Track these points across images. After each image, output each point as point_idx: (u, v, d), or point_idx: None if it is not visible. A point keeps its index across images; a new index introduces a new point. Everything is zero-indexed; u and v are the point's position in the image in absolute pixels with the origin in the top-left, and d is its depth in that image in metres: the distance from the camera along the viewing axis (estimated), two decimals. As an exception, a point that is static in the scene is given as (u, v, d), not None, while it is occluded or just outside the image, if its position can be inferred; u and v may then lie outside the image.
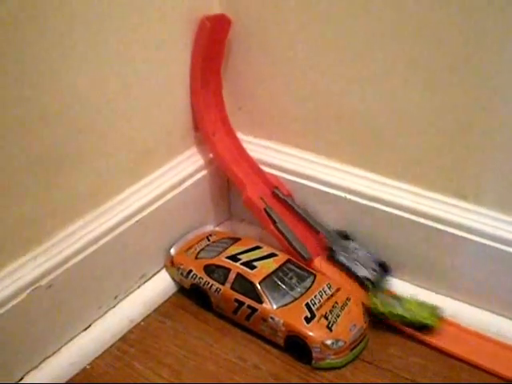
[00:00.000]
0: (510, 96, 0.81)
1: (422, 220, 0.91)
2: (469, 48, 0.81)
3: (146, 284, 0.97)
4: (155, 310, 0.96)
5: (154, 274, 0.99)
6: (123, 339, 0.91)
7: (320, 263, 0.95)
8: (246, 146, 1.02)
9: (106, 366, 0.88)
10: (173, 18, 0.93)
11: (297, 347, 0.86)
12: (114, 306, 0.93)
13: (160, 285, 0.98)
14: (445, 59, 0.84)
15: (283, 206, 0.99)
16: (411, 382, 0.84)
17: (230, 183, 1.06)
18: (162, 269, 1.00)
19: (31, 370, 0.84)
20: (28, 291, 0.80)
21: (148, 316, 0.95)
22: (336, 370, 0.86)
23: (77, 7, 0.79)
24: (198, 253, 0.98)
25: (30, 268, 0.81)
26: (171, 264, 0.98)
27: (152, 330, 0.93)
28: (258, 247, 0.96)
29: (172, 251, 0.99)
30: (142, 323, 0.94)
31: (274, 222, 0.96)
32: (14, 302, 0.79)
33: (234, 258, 0.94)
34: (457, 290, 0.92)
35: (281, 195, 0.99)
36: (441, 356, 0.87)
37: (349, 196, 0.95)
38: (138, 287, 0.96)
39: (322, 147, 0.98)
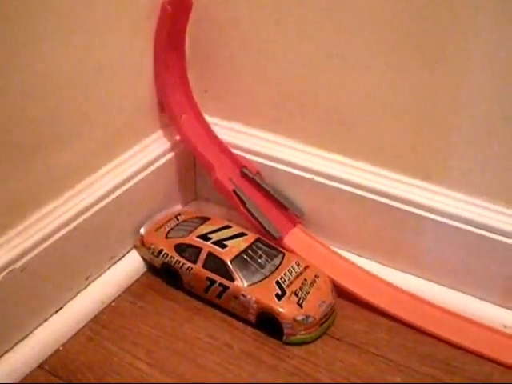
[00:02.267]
0: (474, 78, 0.84)
1: (386, 201, 0.93)
2: (434, 32, 0.84)
3: (116, 265, 0.98)
4: (125, 291, 0.97)
5: (124, 255, 0.99)
6: (95, 320, 0.92)
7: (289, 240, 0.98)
8: (212, 128, 1.03)
9: (79, 346, 0.88)
10: (137, 2, 0.93)
11: (268, 324, 0.88)
12: (86, 288, 0.94)
13: (130, 265, 0.99)
14: (410, 43, 0.86)
15: (252, 185, 1.00)
16: (379, 357, 0.87)
17: (197, 164, 1.07)
18: (131, 249, 1.00)
19: (5, 353, 0.84)
20: (3, 274, 0.80)
21: (119, 297, 0.96)
22: (306, 347, 0.88)
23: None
24: (168, 232, 0.99)
25: (4, 251, 0.81)
26: (141, 244, 0.99)
27: (123, 311, 0.94)
28: (227, 226, 0.98)
29: (142, 231, 1.00)
30: (113, 304, 0.95)
31: (244, 204, 0.97)
32: (-11, 286, 0.79)
33: (204, 237, 0.95)
34: (421, 269, 0.95)
35: (249, 174, 1.00)
36: (407, 330, 0.91)
37: (316, 178, 0.97)
38: (109, 268, 0.97)
39: (290, 129, 1.00)
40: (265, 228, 0.97)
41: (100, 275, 0.96)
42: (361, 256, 0.99)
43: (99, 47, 0.89)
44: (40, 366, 0.85)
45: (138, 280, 0.99)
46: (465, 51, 0.83)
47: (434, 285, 0.95)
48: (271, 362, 0.87)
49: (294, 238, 0.98)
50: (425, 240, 0.93)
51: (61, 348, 0.88)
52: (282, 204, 1.00)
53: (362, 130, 0.94)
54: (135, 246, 1.00)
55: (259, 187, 1.00)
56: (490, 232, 0.88)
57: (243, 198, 0.97)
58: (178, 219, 1.02)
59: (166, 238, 0.98)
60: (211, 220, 1.00)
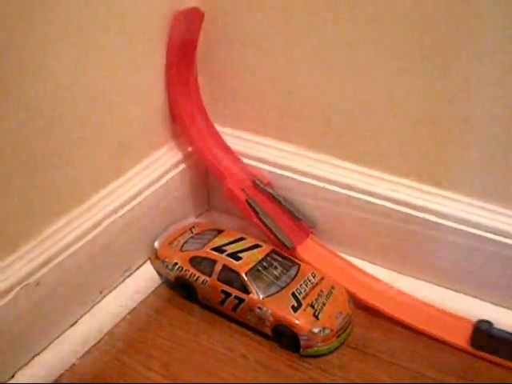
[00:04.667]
0: (483, 84, 0.84)
1: (398, 207, 0.93)
2: (441, 37, 0.84)
3: (130, 278, 0.98)
4: (140, 304, 0.97)
5: (138, 268, 0.99)
6: (110, 333, 0.92)
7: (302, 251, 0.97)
8: (223, 137, 1.03)
9: (94, 360, 0.88)
10: (149, 12, 0.93)
11: (284, 336, 0.88)
12: (100, 301, 0.94)
13: (144, 278, 0.99)
14: (419, 49, 0.86)
15: (264, 196, 1.00)
16: (395, 365, 0.87)
17: (209, 175, 1.07)
18: (145, 262, 1.00)
19: (21, 368, 0.84)
20: (17, 289, 0.81)
21: (133, 310, 0.96)
22: (323, 357, 0.88)
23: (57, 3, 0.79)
24: (182, 245, 0.99)
25: (18, 266, 0.81)
26: (156, 257, 0.99)
27: (138, 324, 0.94)
28: (242, 238, 0.97)
29: (156, 244, 1.00)
30: (128, 317, 0.95)
31: (257, 214, 0.97)
32: (4, 301, 0.79)
33: (219, 249, 0.95)
34: (435, 275, 0.95)
35: (261, 185, 1.00)
36: (422, 338, 0.90)
37: (328, 186, 0.97)
38: (123, 281, 0.97)
39: (301, 138, 1.00)
40: (278, 238, 0.96)
41: (114, 289, 0.96)
42: (374, 264, 0.99)
43: (110, 60, 0.89)
44: (56, 381, 0.85)
45: (152, 293, 0.99)
46: (474, 58, 0.83)
47: (448, 291, 0.95)
48: (287, 373, 0.86)
49: (307, 249, 0.98)
50: (438, 246, 0.93)
51: (77, 362, 0.88)
52: (294, 214, 1.00)
53: (373, 138, 0.95)
54: (149, 260, 1.00)
55: (271, 198, 1.00)
56: (503, 236, 0.88)
57: (256, 208, 0.97)
58: (192, 232, 1.02)
59: (181, 250, 0.98)
60: (225, 232, 1.00)
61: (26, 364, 0.84)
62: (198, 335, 0.92)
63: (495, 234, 0.88)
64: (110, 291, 0.95)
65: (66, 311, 0.89)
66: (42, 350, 0.86)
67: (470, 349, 0.88)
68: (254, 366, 0.87)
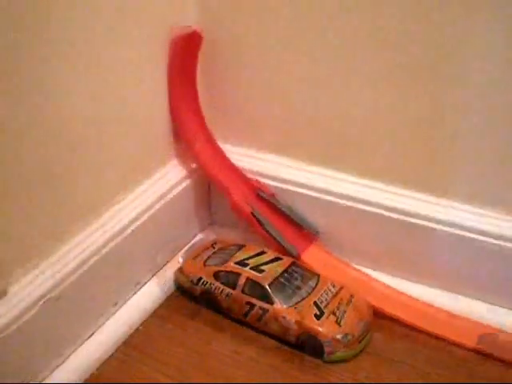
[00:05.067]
0: (476, 95, 0.89)
1: (395, 215, 0.98)
2: (434, 50, 0.88)
3: (141, 290, 1.02)
4: (151, 315, 1.00)
5: (148, 281, 1.03)
6: (125, 344, 0.95)
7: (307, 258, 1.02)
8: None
9: (112, 370, 0.92)
10: (150, 37, 0.98)
11: (308, 344, 0.92)
12: (114, 314, 0.97)
13: (153, 290, 1.03)
14: (412, 61, 0.90)
15: (268, 207, 1.05)
16: (400, 363, 0.92)
17: (211, 190, 1.12)
18: (153, 275, 1.04)
19: (44, 379, 0.87)
20: (40, 303, 0.84)
21: (146, 321, 0.99)
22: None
23: (66, 31, 0.83)
24: (206, 260, 1.03)
25: (40, 281, 0.85)
26: (181, 272, 1.03)
27: (151, 334, 0.97)
28: (263, 252, 1.01)
29: (180, 260, 1.05)
30: (141, 328, 0.98)
31: (262, 225, 1.02)
32: (28, 315, 0.83)
33: (242, 263, 0.99)
34: (437, 280, 0.99)
35: (265, 196, 1.04)
36: (431, 340, 0.95)
37: (328, 197, 1.02)
38: (134, 294, 1.01)
39: (301, 152, 1.04)
40: (283, 247, 1.01)
41: (127, 301, 1.00)
42: (375, 270, 1.03)
43: (115, 81, 0.93)
44: (77, 390, 0.89)
45: (162, 304, 1.03)
46: (466, 70, 0.88)
47: (448, 293, 0.99)
48: (298, 375, 0.90)
49: (311, 256, 1.03)
50: (437, 251, 0.97)
51: (95, 372, 0.91)
52: (297, 223, 1.04)
53: (370, 149, 0.99)
54: (175, 275, 1.04)
55: (275, 208, 1.04)
56: (498, 240, 0.93)
57: (261, 219, 1.02)
58: (214, 247, 1.06)
59: (205, 265, 1.02)
60: (246, 247, 1.03)
61: (48, 376, 0.88)
62: (210, 342, 0.96)
63: (492, 238, 0.93)
64: (123, 304, 0.99)
65: (84, 324, 0.93)
66: (63, 362, 0.90)
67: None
68: (266, 369, 0.91)
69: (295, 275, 0.97)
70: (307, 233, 1.04)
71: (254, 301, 0.95)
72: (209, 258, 1.03)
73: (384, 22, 0.91)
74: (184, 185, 1.07)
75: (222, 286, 0.98)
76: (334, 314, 0.92)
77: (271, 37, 1.00)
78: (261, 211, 1.03)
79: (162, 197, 1.03)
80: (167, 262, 1.07)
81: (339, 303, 0.94)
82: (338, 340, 0.90)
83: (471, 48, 0.87)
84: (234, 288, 0.97)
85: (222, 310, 0.99)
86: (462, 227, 0.94)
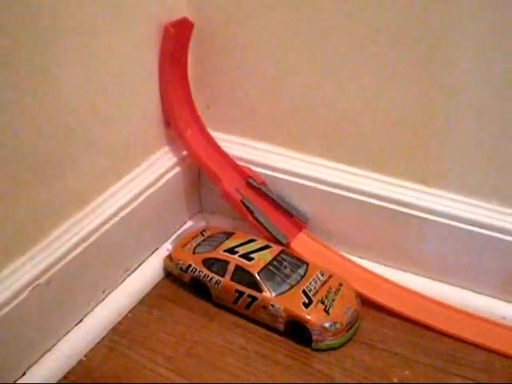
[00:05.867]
0: (467, 87, 0.89)
1: (387, 204, 0.98)
2: (426, 41, 0.88)
3: (130, 277, 1.02)
4: (140, 302, 1.01)
5: (137, 268, 1.03)
6: (114, 330, 0.96)
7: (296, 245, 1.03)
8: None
9: (101, 356, 0.92)
10: (141, 24, 0.98)
11: (297, 331, 0.92)
12: (103, 300, 0.97)
13: (143, 277, 1.03)
14: (406, 53, 0.90)
15: (258, 194, 1.05)
16: (386, 351, 0.92)
17: (201, 177, 1.11)
18: (143, 262, 1.04)
19: (32, 366, 0.87)
20: (29, 289, 0.84)
21: (134, 307, 1.00)
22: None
23: (58, 20, 0.83)
24: (195, 248, 1.03)
25: (29, 267, 0.85)
26: (170, 260, 1.04)
27: (140, 320, 0.98)
28: (252, 240, 1.01)
29: (169, 248, 1.05)
30: (130, 314, 0.99)
31: (252, 213, 1.02)
32: (17, 301, 0.83)
33: (231, 250, 0.99)
34: (422, 268, 1.00)
35: (255, 184, 1.05)
36: (411, 326, 0.95)
37: (318, 186, 1.02)
38: (123, 281, 1.01)
39: (290, 140, 1.04)
40: (273, 235, 1.01)
41: (115, 288, 1.00)
42: (363, 258, 1.03)
43: (106, 69, 0.93)
44: (65, 377, 0.89)
45: (151, 291, 1.03)
46: (459, 62, 0.88)
47: (435, 282, 1.00)
48: (286, 362, 0.91)
49: (300, 243, 1.03)
50: (425, 240, 0.98)
51: (84, 358, 0.92)
52: (287, 211, 1.04)
53: (360, 138, 0.99)
54: (164, 262, 1.05)
55: (265, 196, 1.05)
56: (485, 229, 0.93)
57: (251, 207, 1.02)
58: (203, 235, 1.06)
59: (194, 253, 1.02)
60: (236, 234, 1.04)
61: (36, 361, 0.88)
62: (199, 329, 0.96)
63: (479, 227, 0.93)
64: (112, 290, 0.99)
65: (72, 310, 0.93)
66: (50, 348, 0.90)
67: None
68: (255, 356, 0.92)
69: (284, 263, 0.97)
70: (297, 221, 1.05)
71: (242, 288, 0.95)
72: (198, 245, 1.04)
73: (375, 14, 0.91)
74: (174, 172, 1.07)
75: (210, 274, 0.98)
76: (322, 302, 0.93)
77: (263, 26, 0.99)
78: (251, 199, 1.03)
79: (152, 184, 1.03)
80: (156, 249, 1.07)
81: (328, 292, 0.94)
82: (326, 328, 0.91)
83: (462, 40, 0.87)
84: (222, 275, 0.97)
85: (210, 298, 1.00)
86: (451, 217, 0.95)
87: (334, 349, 0.92)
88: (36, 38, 0.81)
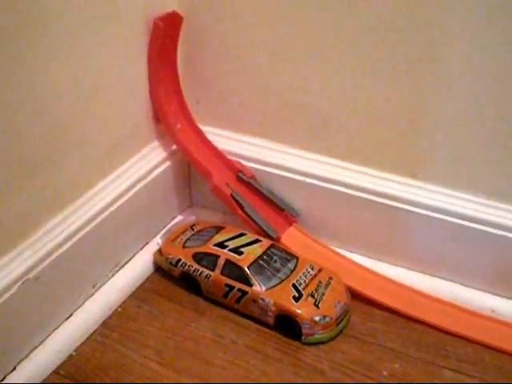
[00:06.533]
0: (456, 81, 0.89)
1: (376, 198, 0.98)
2: (417, 37, 0.89)
3: (120, 272, 1.02)
4: (130, 296, 1.01)
5: (127, 262, 1.03)
6: (104, 325, 0.96)
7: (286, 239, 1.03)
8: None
9: (91, 350, 0.92)
10: (130, 18, 0.97)
11: (287, 325, 0.92)
12: (93, 295, 0.97)
13: (133, 272, 1.03)
14: (396, 47, 0.91)
15: (248, 188, 1.05)
16: (376, 345, 0.93)
17: (191, 172, 1.11)
18: (133, 256, 1.04)
19: (22, 360, 0.87)
20: (18, 284, 0.84)
21: (124, 302, 1.00)
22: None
23: (45, 15, 0.83)
24: (185, 242, 1.03)
25: (18, 262, 0.85)
26: (160, 254, 1.04)
27: (130, 315, 0.98)
28: (242, 234, 1.01)
29: (159, 242, 1.05)
30: (120, 309, 0.99)
31: (241, 207, 1.02)
32: (6, 296, 0.83)
33: (221, 245, 0.99)
34: (411, 261, 1.00)
35: (245, 178, 1.04)
36: (400, 319, 0.96)
37: (307, 179, 1.02)
38: (113, 275, 1.01)
39: (280, 135, 1.04)
40: (263, 229, 1.01)
41: (105, 282, 1.00)
42: (353, 252, 1.04)
43: (96, 64, 0.93)
44: (55, 371, 0.89)
45: (141, 285, 1.03)
46: (447, 59, 0.88)
47: (425, 276, 1.00)
48: (276, 356, 0.91)
49: (290, 238, 1.03)
50: (415, 234, 0.98)
51: (74, 353, 0.92)
52: (277, 205, 1.04)
53: (349, 133, 0.99)
54: (154, 257, 1.05)
55: (255, 190, 1.05)
56: (473, 222, 0.94)
57: (240, 201, 1.02)
58: (193, 229, 1.06)
59: (184, 247, 1.02)
60: (226, 229, 1.04)
61: (26, 356, 0.88)
62: (189, 324, 0.96)
63: (468, 220, 0.94)
64: (102, 285, 0.99)
65: (62, 305, 0.93)
66: (40, 343, 0.90)
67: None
68: (244, 350, 0.92)
69: (274, 257, 0.98)
70: (287, 215, 1.05)
71: (232, 282, 0.96)
72: (188, 239, 1.04)
73: (366, 9, 0.91)
74: (164, 166, 1.07)
75: (200, 268, 0.98)
76: (312, 296, 0.93)
77: (254, 21, 0.99)
78: (241, 193, 1.03)
79: (141, 178, 1.03)
80: (146, 243, 1.07)
81: (318, 285, 0.95)
82: (316, 322, 0.91)
83: (452, 34, 0.87)
84: (213, 270, 0.97)
85: (201, 292, 1.00)
86: (440, 210, 0.95)
87: (323, 342, 0.92)
88: (23, 33, 0.80)
